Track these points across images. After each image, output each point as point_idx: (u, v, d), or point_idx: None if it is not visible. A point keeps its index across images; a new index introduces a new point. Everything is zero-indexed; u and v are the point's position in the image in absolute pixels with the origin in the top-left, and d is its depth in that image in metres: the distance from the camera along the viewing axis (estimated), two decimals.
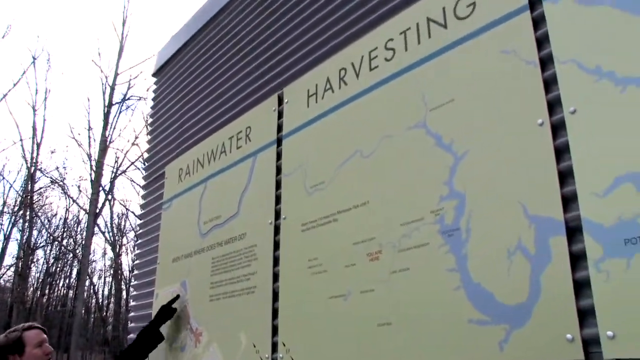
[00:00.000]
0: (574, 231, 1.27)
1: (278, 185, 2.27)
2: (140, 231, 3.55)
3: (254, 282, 2.24)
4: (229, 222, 2.51)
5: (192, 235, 2.78)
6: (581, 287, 1.23)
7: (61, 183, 19.36)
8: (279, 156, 2.32)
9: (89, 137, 17.58)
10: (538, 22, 1.48)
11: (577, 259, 1.25)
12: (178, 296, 2.72)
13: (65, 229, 23.37)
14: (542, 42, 1.45)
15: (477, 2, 1.65)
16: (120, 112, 17.20)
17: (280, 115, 2.39)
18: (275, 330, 2.07)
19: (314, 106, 2.17)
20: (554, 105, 1.38)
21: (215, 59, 3.09)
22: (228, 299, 2.38)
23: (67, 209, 24.61)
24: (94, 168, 16.27)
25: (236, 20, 2.98)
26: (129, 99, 17.12)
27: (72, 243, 23.20)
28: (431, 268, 1.55)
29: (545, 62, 1.43)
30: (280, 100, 2.41)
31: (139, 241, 3.54)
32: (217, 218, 2.62)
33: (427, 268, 1.56)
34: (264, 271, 2.20)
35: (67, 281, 25.27)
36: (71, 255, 23.13)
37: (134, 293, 3.42)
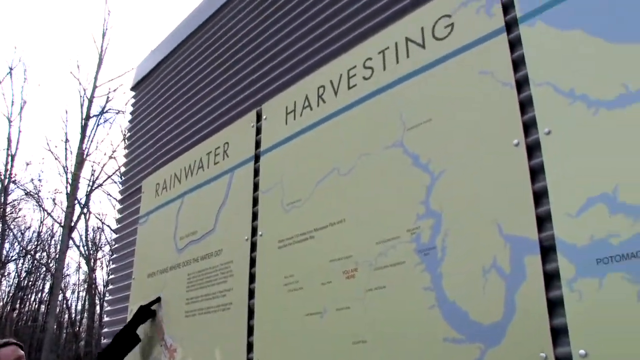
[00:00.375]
0: (548, 250, 1.29)
1: (255, 201, 2.27)
2: (116, 245, 3.52)
3: (229, 298, 2.23)
4: (206, 238, 2.50)
5: (168, 251, 2.76)
6: (555, 306, 1.24)
7: (36, 195, 19.12)
8: (256, 172, 2.32)
9: (66, 149, 17.40)
10: (514, 44, 1.50)
11: (551, 278, 1.27)
12: (159, 298, 2.70)
13: (39, 242, 23.04)
14: (518, 64, 1.48)
15: (455, 23, 1.67)
16: (98, 125, 17.08)
17: (258, 131, 2.39)
18: (250, 347, 2.06)
19: (292, 123, 2.18)
20: (529, 126, 1.40)
21: (194, 74, 3.10)
22: (203, 315, 2.36)
23: (41, 222, 24.24)
24: (69, 181, 16.11)
25: (215, 37, 2.99)
26: (107, 112, 17.02)
27: (46, 256, 22.87)
28: (407, 286, 1.55)
29: (521, 83, 1.45)
30: (259, 117, 2.41)
31: (115, 256, 3.51)
32: (193, 234, 2.60)
33: (403, 286, 1.56)
34: (240, 288, 2.19)
35: (39, 295, 24.86)
36: (44, 269, 22.80)
37: (108, 308, 3.39)
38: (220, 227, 2.43)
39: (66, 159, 17.31)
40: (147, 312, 2.65)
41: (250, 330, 2.08)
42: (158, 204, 3.01)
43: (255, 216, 2.25)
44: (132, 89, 3.92)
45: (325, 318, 1.77)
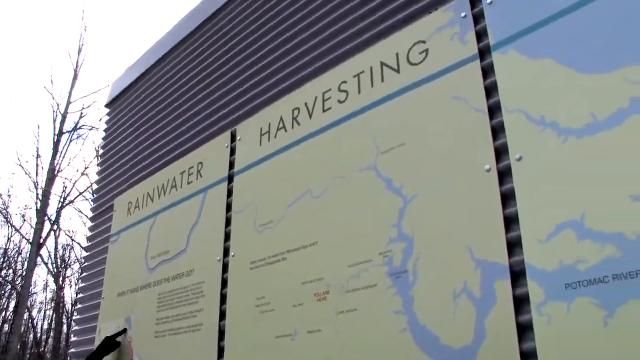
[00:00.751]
0: (518, 275, 1.30)
1: (228, 222, 2.26)
2: (86, 264, 3.47)
3: (200, 319, 2.21)
4: (177, 258, 2.48)
5: (139, 270, 2.73)
6: (524, 330, 1.25)
7: (4, 211, 18.80)
8: (229, 193, 2.31)
9: (37, 165, 17.22)
10: (487, 71, 1.53)
11: (521, 303, 1.28)
12: (125, 330, 2.66)
13: (5, 259, 22.59)
14: (490, 90, 1.50)
15: (429, 49, 1.70)
16: (71, 140, 16.87)
17: (232, 152, 2.39)
18: None
19: (267, 144, 2.18)
20: (501, 152, 1.42)
21: (169, 93, 3.09)
22: (174, 336, 2.34)
23: (8, 238, 23.80)
24: (40, 197, 15.88)
25: (192, 56, 2.99)
26: (80, 128, 16.84)
27: (12, 274, 22.43)
28: (378, 309, 1.55)
29: (493, 110, 1.47)
30: (233, 137, 2.41)
31: (84, 274, 3.46)
32: (165, 253, 2.58)
33: (374, 309, 1.56)
34: (211, 309, 2.17)
35: (3, 314, 24.31)
36: (9, 286, 22.33)
37: (76, 328, 3.33)
38: (192, 247, 2.42)
39: (37, 175, 17.10)
40: (111, 344, 2.61)
41: (221, 352, 2.06)
42: (130, 222, 2.98)
43: (227, 237, 2.23)
44: (107, 105, 3.89)
45: (296, 340, 1.77)
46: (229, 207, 2.28)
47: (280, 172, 2.07)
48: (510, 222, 1.35)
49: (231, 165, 2.36)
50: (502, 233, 1.34)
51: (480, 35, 1.58)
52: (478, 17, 1.61)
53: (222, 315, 2.12)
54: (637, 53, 1.23)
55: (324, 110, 1.98)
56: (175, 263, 2.48)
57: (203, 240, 2.36)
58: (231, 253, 2.16)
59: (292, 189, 1.98)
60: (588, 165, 1.23)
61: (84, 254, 3.56)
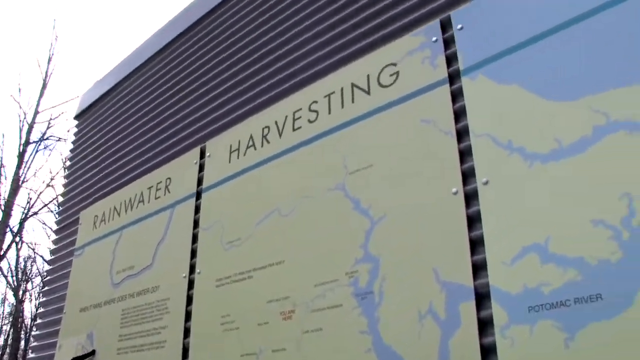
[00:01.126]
0: (482, 298, 1.31)
1: (195, 238, 2.25)
2: (48, 277, 3.40)
3: (164, 336, 2.18)
4: (143, 274, 2.45)
5: (103, 285, 2.69)
6: (488, 352, 1.26)
7: None
8: (197, 209, 2.30)
9: (0, 174, 16.83)
10: (456, 95, 1.55)
11: (485, 325, 1.29)
12: (94, 351, 2.60)
13: None
14: (459, 114, 1.52)
15: (400, 72, 1.72)
16: (37, 151, 16.58)
17: (201, 168, 2.38)
18: None
19: (236, 162, 2.18)
20: (468, 176, 1.44)
21: (139, 107, 3.07)
22: (137, 352, 2.30)
23: None
24: (2, 207, 15.56)
25: (162, 72, 2.98)
26: (47, 138, 16.58)
27: None
28: (343, 329, 1.55)
29: (462, 134, 1.49)
30: (202, 154, 2.41)
31: (46, 288, 3.39)
32: (130, 268, 2.55)
33: (340, 329, 1.56)
34: (175, 325, 2.15)
35: None
36: None
37: (35, 344, 3.25)
38: (158, 263, 2.39)
39: (0, 185, 16.75)
40: None
41: None
42: (95, 236, 2.94)
43: (194, 253, 2.22)
44: (76, 117, 3.85)
45: (260, 359, 1.75)
46: (196, 224, 2.27)
47: (249, 190, 2.06)
48: (476, 244, 1.37)
49: (199, 181, 2.35)
50: (467, 255, 1.35)
51: (451, 59, 1.61)
52: (449, 42, 1.63)
53: (187, 332, 2.09)
54: (601, 82, 1.26)
55: (294, 130, 1.99)
56: (141, 279, 2.45)
57: (169, 256, 2.34)
58: (197, 270, 2.14)
59: (260, 207, 1.97)
60: (552, 190, 1.25)
61: (47, 267, 3.50)
